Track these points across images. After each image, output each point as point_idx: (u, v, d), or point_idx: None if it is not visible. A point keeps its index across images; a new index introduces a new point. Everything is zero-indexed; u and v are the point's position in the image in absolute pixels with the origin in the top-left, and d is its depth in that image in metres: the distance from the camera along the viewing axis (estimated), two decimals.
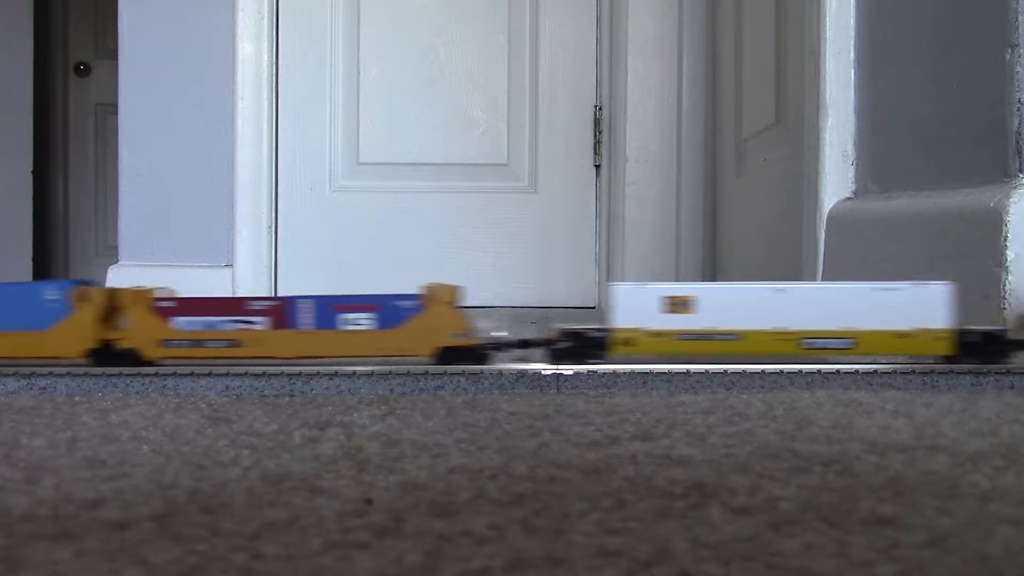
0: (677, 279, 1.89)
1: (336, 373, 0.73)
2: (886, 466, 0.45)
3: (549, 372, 0.73)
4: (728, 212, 1.81)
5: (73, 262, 3.50)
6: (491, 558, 0.31)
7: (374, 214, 1.95)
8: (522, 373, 0.73)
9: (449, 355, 0.75)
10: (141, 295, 0.76)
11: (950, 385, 0.72)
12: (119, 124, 1.82)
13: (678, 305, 0.74)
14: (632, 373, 0.73)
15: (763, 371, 0.73)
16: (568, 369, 0.73)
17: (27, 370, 0.73)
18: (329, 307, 0.75)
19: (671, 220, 1.90)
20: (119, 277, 1.77)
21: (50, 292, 0.76)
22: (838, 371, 0.73)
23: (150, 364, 0.75)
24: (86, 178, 3.47)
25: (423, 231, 1.95)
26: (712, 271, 1.89)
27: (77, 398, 0.70)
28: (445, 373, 0.73)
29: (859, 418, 0.59)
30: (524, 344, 0.78)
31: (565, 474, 0.43)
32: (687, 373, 0.73)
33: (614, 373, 0.73)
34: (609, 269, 1.95)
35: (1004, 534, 0.33)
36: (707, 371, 0.73)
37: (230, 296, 0.78)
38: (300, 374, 0.73)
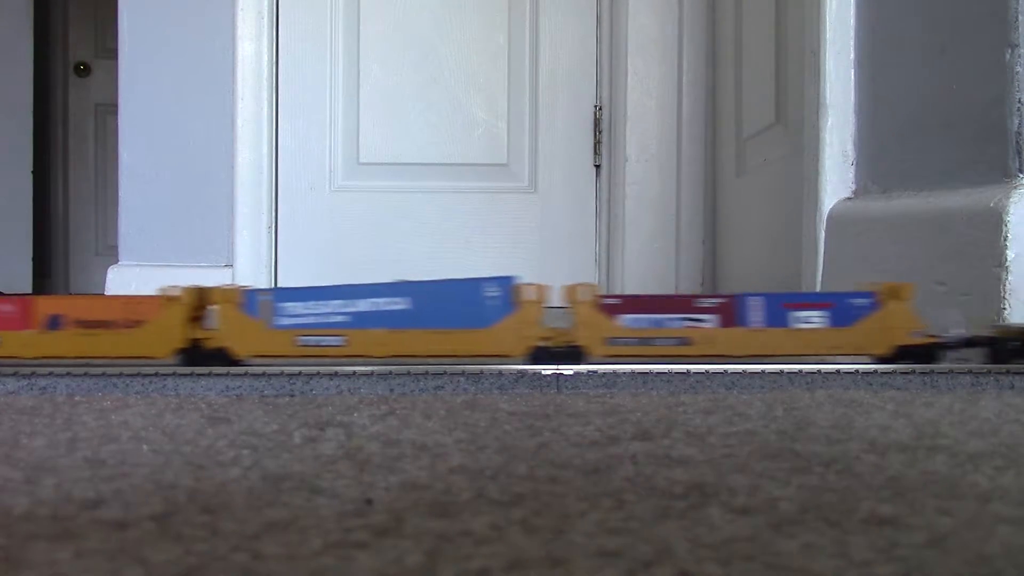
0: (677, 279, 1.89)
1: (336, 373, 0.73)
2: (886, 466, 0.45)
3: (549, 372, 0.73)
4: (728, 212, 1.81)
5: (73, 262, 3.50)
6: (491, 558, 0.31)
7: (374, 214, 1.95)
8: (522, 373, 0.73)
9: (904, 354, 0.73)
10: (588, 292, 0.75)
11: (950, 385, 0.72)
12: (119, 124, 1.83)
13: None
14: (632, 373, 0.73)
15: (763, 371, 0.73)
16: (568, 369, 0.73)
17: (27, 370, 0.73)
18: (780, 305, 0.74)
19: (671, 220, 1.90)
20: (119, 277, 1.77)
21: (491, 289, 0.75)
22: (838, 371, 0.73)
23: (593, 362, 0.74)
24: (86, 178, 3.47)
25: (423, 231, 1.95)
26: (712, 271, 1.89)
27: (77, 398, 0.70)
28: (445, 373, 0.73)
29: (859, 418, 0.59)
30: (969, 343, 0.75)
31: (565, 474, 0.43)
32: (687, 373, 0.73)
33: (614, 373, 0.73)
34: (609, 269, 1.95)
35: (1004, 534, 0.33)
36: (707, 371, 0.73)
37: (678, 294, 0.76)
38: (300, 374, 0.73)
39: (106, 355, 0.76)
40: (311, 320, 0.75)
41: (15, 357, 0.76)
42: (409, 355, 0.75)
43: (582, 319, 0.75)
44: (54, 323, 0.76)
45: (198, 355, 0.76)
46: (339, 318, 0.75)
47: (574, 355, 0.74)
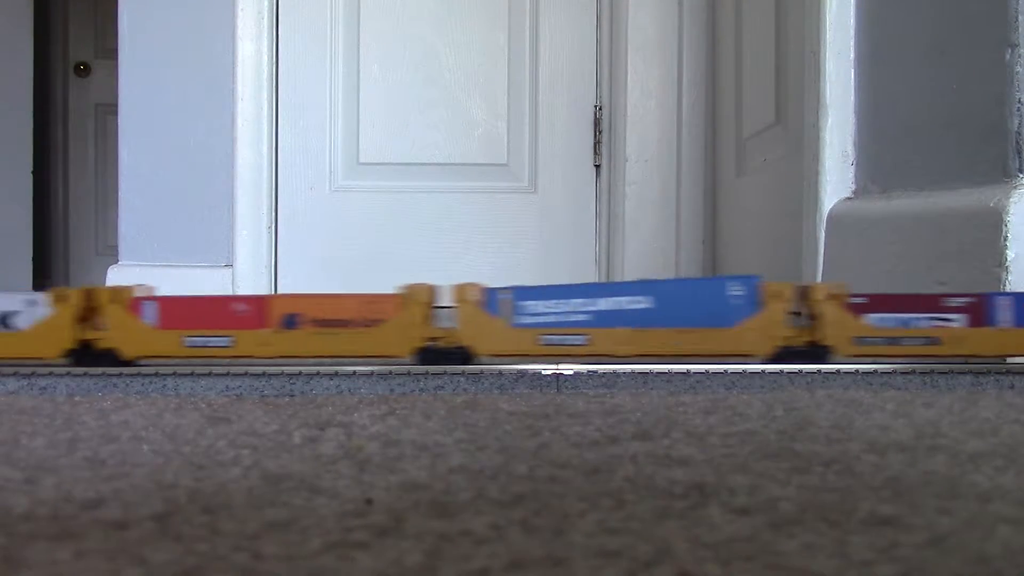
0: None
1: (336, 373, 0.73)
2: (886, 466, 0.45)
3: (549, 372, 0.73)
4: (728, 212, 1.81)
5: (73, 262, 3.49)
6: (491, 558, 0.31)
7: (374, 214, 1.94)
8: (522, 373, 0.73)
9: None
10: (834, 290, 0.74)
11: (950, 385, 0.72)
12: (119, 124, 1.82)
13: None
14: (632, 373, 0.73)
15: (763, 371, 0.73)
16: (568, 369, 0.73)
17: (27, 370, 0.73)
18: None
19: (671, 220, 1.90)
20: (119, 277, 1.77)
21: (735, 288, 0.74)
22: (838, 371, 0.73)
23: (840, 361, 0.73)
24: (86, 178, 3.47)
25: (423, 231, 1.95)
26: (712, 271, 1.89)
27: (77, 398, 0.70)
28: (445, 373, 0.73)
29: (859, 418, 0.59)
30: None
31: (565, 474, 0.43)
32: (687, 373, 0.73)
33: (614, 373, 0.73)
34: (609, 269, 1.95)
35: (1004, 534, 0.33)
36: (707, 371, 0.73)
37: (927, 293, 0.76)
38: (300, 374, 0.73)
39: (343, 354, 0.76)
40: (552, 319, 0.74)
41: (250, 356, 0.76)
42: (653, 354, 0.75)
43: (829, 318, 0.74)
44: (290, 322, 0.76)
45: (435, 354, 0.75)
46: (580, 317, 0.74)
47: (820, 354, 0.74)
